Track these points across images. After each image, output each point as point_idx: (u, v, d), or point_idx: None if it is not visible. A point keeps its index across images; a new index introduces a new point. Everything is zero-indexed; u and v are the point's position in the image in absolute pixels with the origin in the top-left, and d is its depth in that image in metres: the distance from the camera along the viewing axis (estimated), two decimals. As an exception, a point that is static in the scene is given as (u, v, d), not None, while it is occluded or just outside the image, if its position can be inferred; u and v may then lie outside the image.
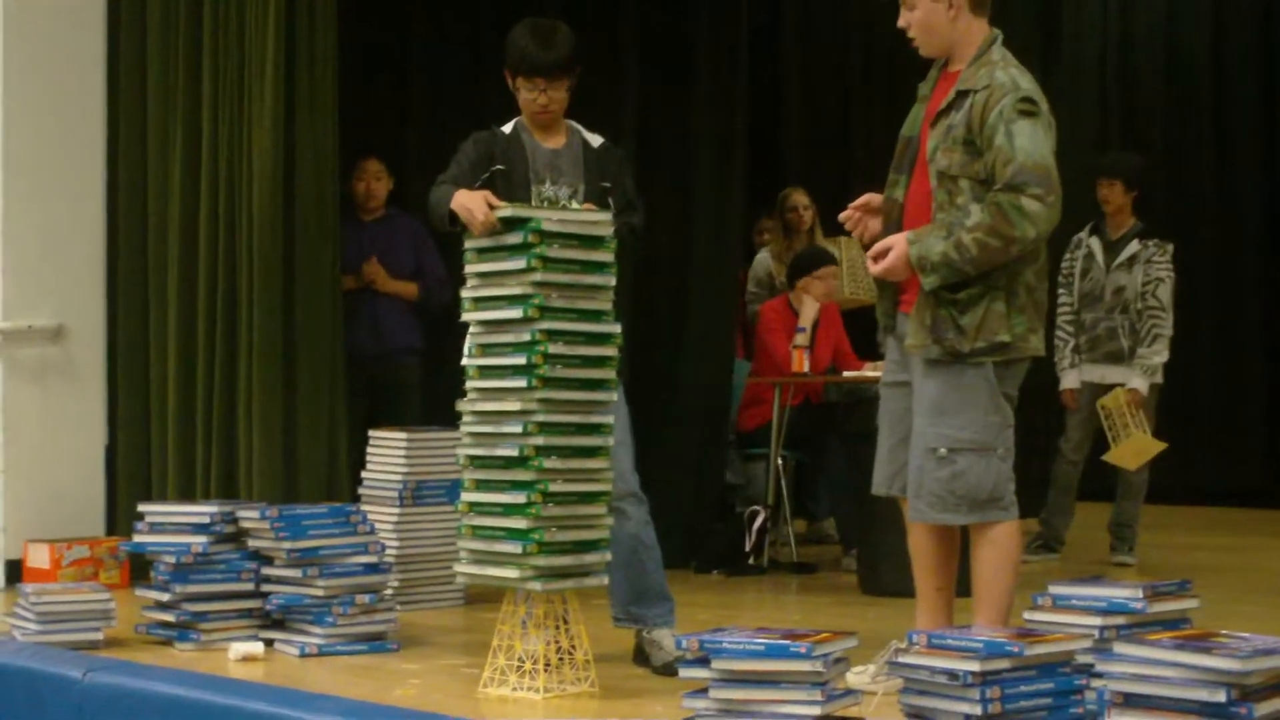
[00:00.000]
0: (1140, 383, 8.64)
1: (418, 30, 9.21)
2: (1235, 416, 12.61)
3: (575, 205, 5.47)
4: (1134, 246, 8.76)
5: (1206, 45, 13.11)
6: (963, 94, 5.08)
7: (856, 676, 4.92)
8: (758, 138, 10.25)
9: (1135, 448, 8.59)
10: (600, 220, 5.28)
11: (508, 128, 5.84)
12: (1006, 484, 5.06)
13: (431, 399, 7.98)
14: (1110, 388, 8.73)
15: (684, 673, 4.25)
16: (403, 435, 7.16)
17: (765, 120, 10.91)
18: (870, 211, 5.39)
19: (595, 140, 5.87)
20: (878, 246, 5.11)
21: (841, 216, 5.47)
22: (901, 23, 5.21)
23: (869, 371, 8.50)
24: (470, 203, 5.28)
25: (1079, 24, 13.00)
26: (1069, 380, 8.88)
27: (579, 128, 5.88)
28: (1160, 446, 8.68)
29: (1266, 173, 12.81)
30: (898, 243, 5.04)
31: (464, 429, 5.25)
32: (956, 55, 5.20)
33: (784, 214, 9.78)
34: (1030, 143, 4.95)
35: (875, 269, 5.10)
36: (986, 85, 5.03)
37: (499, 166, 5.70)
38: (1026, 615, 4.63)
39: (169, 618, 6.10)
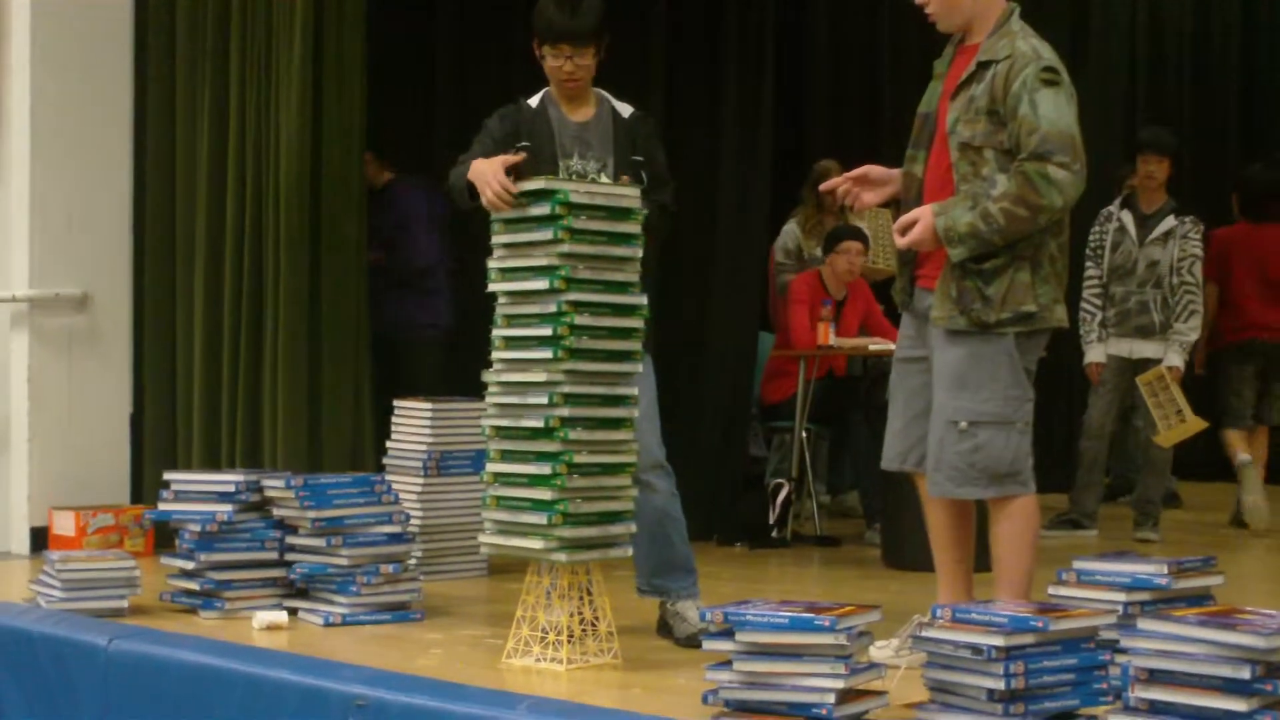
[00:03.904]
0: (1178, 359, 8.63)
1: (445, 9, 9.23)
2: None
3: (605, 179, 5.41)
4: (1169, 222, 8.72)
5: (1235, 43, 13.07)
6: (984, 65, 5.07)
7: (880, 651, 4.93)
8: (785, 108, 10.22)
9: (1187, 429, 8.58)
10: (628, 193, 5.27)
11: (534, 100, 5.80)
12: (1026, 458, 5.06)
13: (455, 371, 8.01)
14: (1139, 362, 8.71)
15: (707, 645, 4.26)
16: (428, 405, 7.16)
17: (793, 90, 10.87)
18: (865, 183, 5.38)
19: (626, 110, 5.82)
20: (904, 219, 5.09)
21: (830, 184, 5.46)
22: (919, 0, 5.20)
23: (892, 345, 8.50)
24: (486, 170, 5.23)
25: (1106, 20, 12.96)
26: (1094, 354, 8.85)
27: (608, 97, 5.84)
28: (1203, 425, 8.69)
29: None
30: (924, 215, 5.02)
31: (489, 399, 5.25)
32: (975, 29, 5.19)
33: (815, 186, 9.75)
34: (1054, 111, 4.94)
35: (902, 241, 5.08)
36: (1008, 55, 5.03)
37: (525, 143, 5.64)
38: (1051, 590, 4.63)
39: (193, 586, 6.12)
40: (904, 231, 5.06)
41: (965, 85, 5.09)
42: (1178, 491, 10.32)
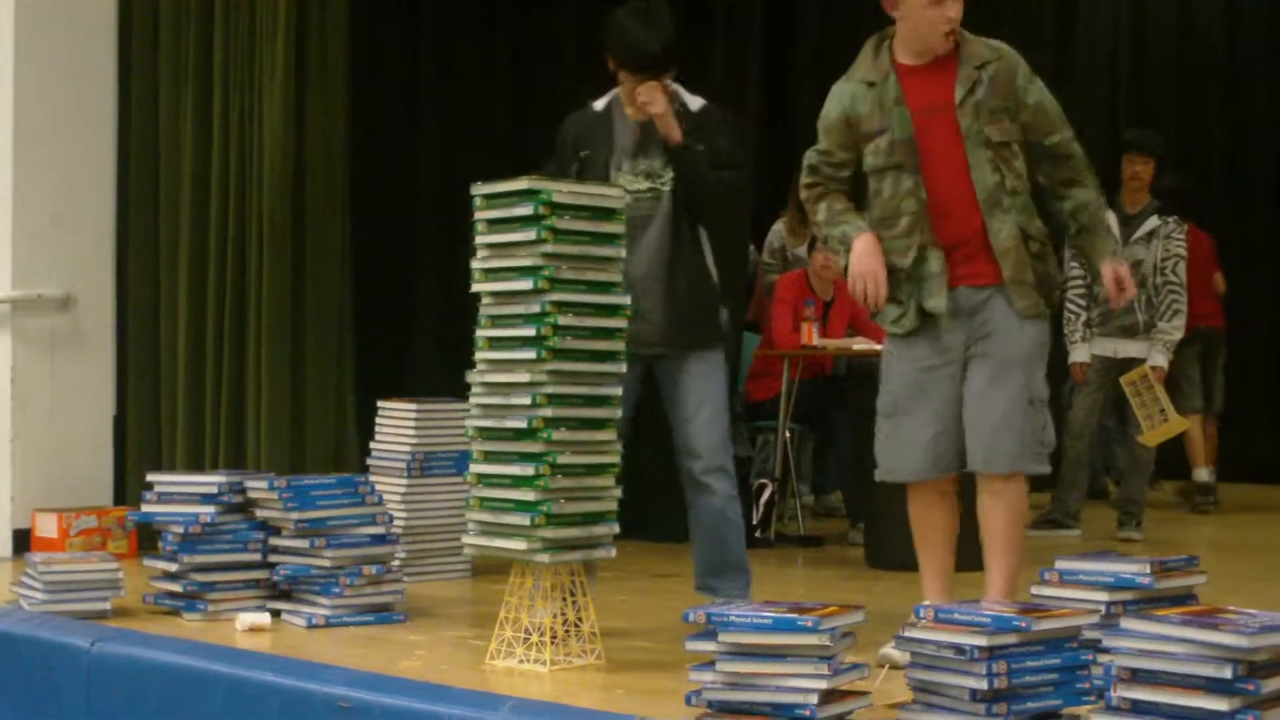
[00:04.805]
0: (1162, 359, 8.65)
1: (428, 13, 9.23)
2: (1243, 394, 12.60)
3: (668, 175, 5.68)
4: (1153, 222, 8.75)
5: (1220, 33, 13.10)
6: (977, 69, 5.22)
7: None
8: (772, 108, 10.23)
9: (1170, 428, 8.62)
10: (611, 193, 5.28)
11: (601, 103, 5.92)
12: None
13: (441, 371, 7.99)
14: (1123, 362, 8.72)
15: (690, 645, 4.25)
16: (411, 406, 7.16)
17: (779, 91, 10.87)
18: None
19: (695, 103, 5.88)
20: (1118, 280, 5.29)
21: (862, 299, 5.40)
22: (955, 15, 5.25)
23: (877, 345, 8.51)
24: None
25: (1092, 13, 13.01)
26: (1079, 354, 8.87)
27: (680, 91, 5.88)
28: (1186, 425, 8.74)
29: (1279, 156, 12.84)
30: (1120, 268, 5.29)
31: (473, 400, 5.25)
32: (939, 48, 5.31)
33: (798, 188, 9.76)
34: (1050, 96, 5.31)
35: (1125, 299, 5.36)
36: (997, 56, 5.25)
37: (584, 152, 5.80)
38: (1034, 590, 4.63)
39: (176, 588, 6.11)
40: (1122, 287, 5.29)
41: (970, 93, 5.21)
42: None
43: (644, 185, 5.81)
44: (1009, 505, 5.23)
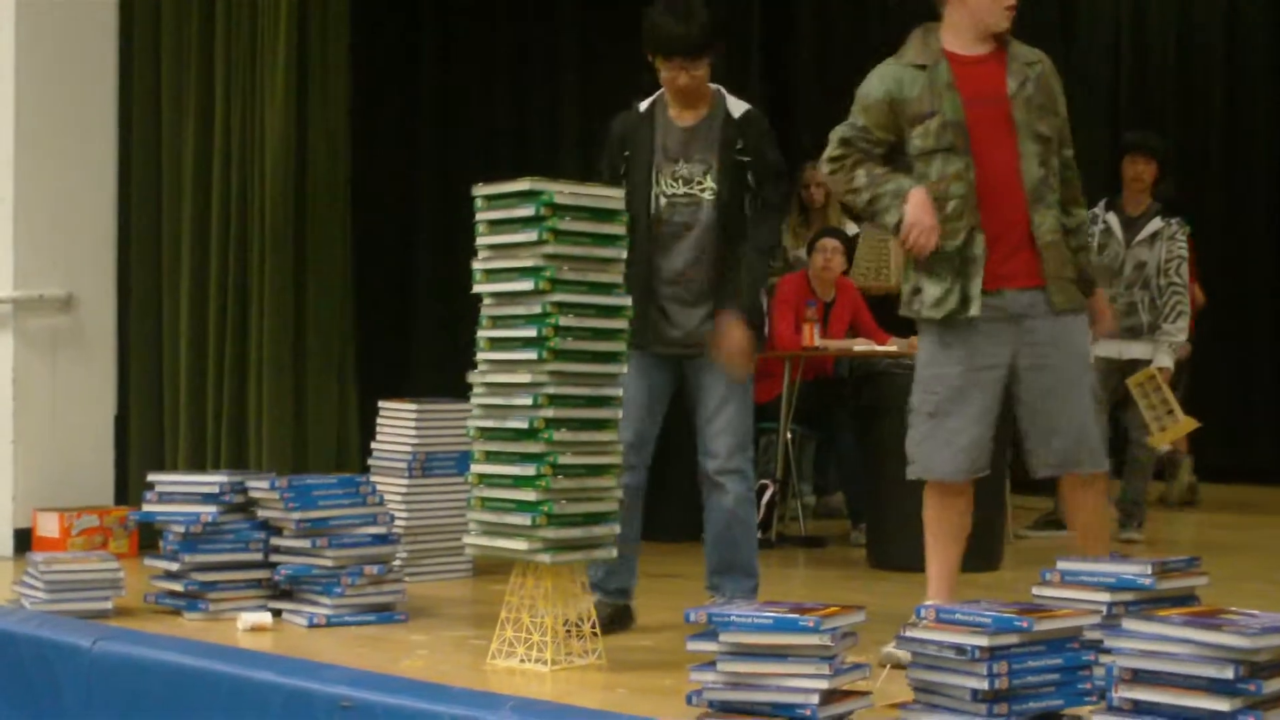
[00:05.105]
0: (1168, 360, 8.64)
1: (428, 11, 9.23)
2: (1245, 395, 12.61)
3: (710, 182, 5.73)
4: (1156, 223, 8.74)
5: (1219, 33, 13.11)
6: (1026, 65, 5.39)
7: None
8: (772, 111, 10.21)
9: (1180, 429, 8.62)
10: (612, 194, 5.29)
11: (646, 104, 5.93)
12: None
13: (442, 371, 7.99)
14: (1127, 363, 8.72)
15: (691, 645, 4.25)
16: (412, 407, 7.16)
17: (780, 93, 10.87)
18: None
19: (738, 109, 5.88)
20: (1103, 311, 5.60)
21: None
22: None
23: (879, 346, 8.53)
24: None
25: (1093, 15, 13.02)
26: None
27: (724, 95, 5.90)
28: (1195, 424, 8.72)
29: (1278, 157, 12.82)
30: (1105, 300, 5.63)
31: (474, 401, 5.25)
32: (993, 36, 5.43)
33: (799, 190, 9.78)
34: None
35: (1101, 330, 5.65)
36: (1040, 59, 5.44)
37: (627, 152, 5.84)
38: (1035, 590, 4.63)
39: (178, 587, 6.11)
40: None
41: (1022, 87, 5.34)
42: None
43: (681, 190, 5.82)
44: (1101, 499, 5.47)
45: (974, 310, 5.28)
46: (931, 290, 5.33)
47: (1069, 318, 5.35)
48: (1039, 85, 5.37)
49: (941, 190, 5.30)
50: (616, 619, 5.84)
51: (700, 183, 5.80)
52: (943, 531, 5.40)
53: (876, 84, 5.43)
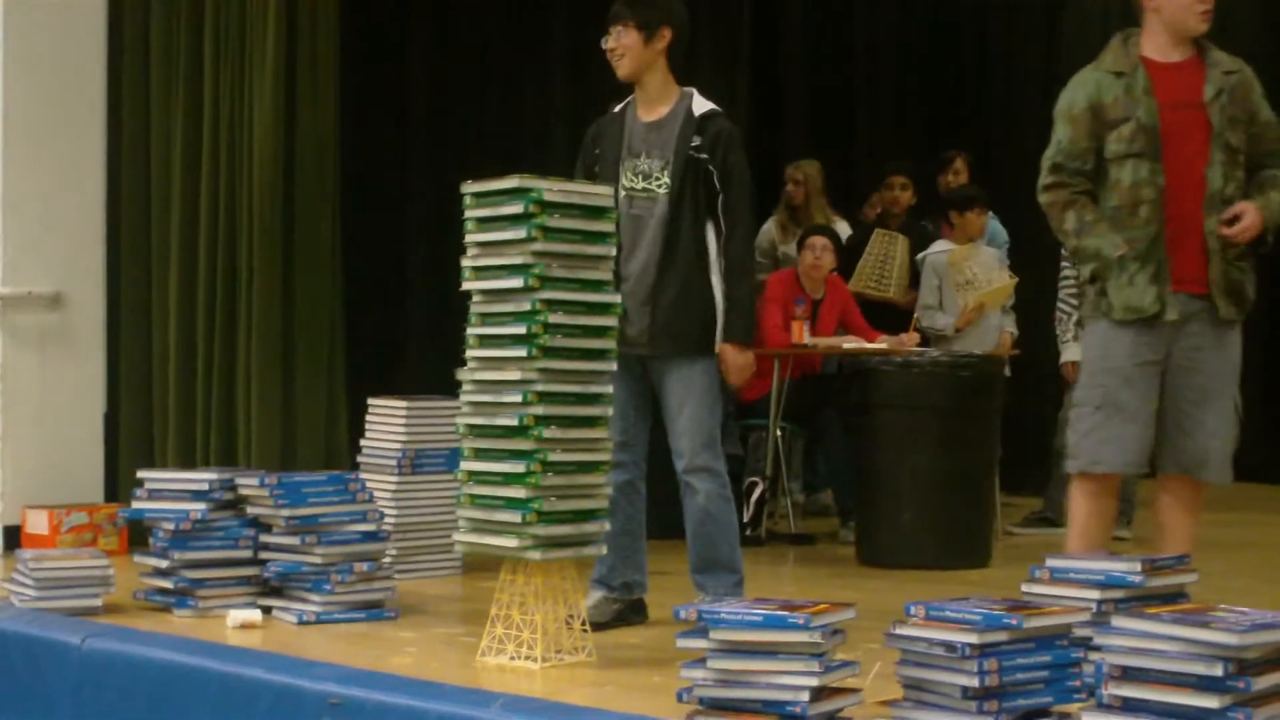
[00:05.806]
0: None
1: (418, 10, 9.23)
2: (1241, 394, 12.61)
3: (665, 177, 5.75)
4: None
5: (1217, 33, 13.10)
6: (1225, 74, 5.43)
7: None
8: (762, 109, 10.22)
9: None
10: (601, 191, 5.29)
11: (620, 105, 5.97)
12: None
13: (432, 368, 7.99)
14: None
15: (681, 643, 4.25)
16: (402, 404, 7.15)
17: (769, 92, 10.88)
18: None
19: (701, 108, 5.89)
20: (1230, 212, 5.36)
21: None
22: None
23: (867, 344, 8.53)
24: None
25: (1084, 14, 13.01)
26: (1071, 353, 8.84)
27: (692, 95, 5.92)
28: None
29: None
30: (1248, 208, 5.37)
31: (464, 398, 5.25)
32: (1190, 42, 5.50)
33: (792, 185, 9.79)
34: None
35: (1240, 233, 5.36)
36: (1239, 67, 5.48)
37: (598, 150, 5.90)
38: (1024, 588, 4.63)
39: (167, 584, 6.11)
40: (1230, 223, 5.35)
41: (1217, 96, 5.39)
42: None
43: (640, 185, 5.83)
44: (1198, 513, 5.57)
45: (1170, 315, 5.40)
46: (1123, 293, 5.41)
47: (1226, 327, 5.49)
48: (1233, 96, 5.41)
49: (1133, 196, 5.39)
50: (623, 615, 5.85)
51: (657, 178, 5.81)
52: (1094, 525, 5.50)
53: (1079, 93, 5.50)
